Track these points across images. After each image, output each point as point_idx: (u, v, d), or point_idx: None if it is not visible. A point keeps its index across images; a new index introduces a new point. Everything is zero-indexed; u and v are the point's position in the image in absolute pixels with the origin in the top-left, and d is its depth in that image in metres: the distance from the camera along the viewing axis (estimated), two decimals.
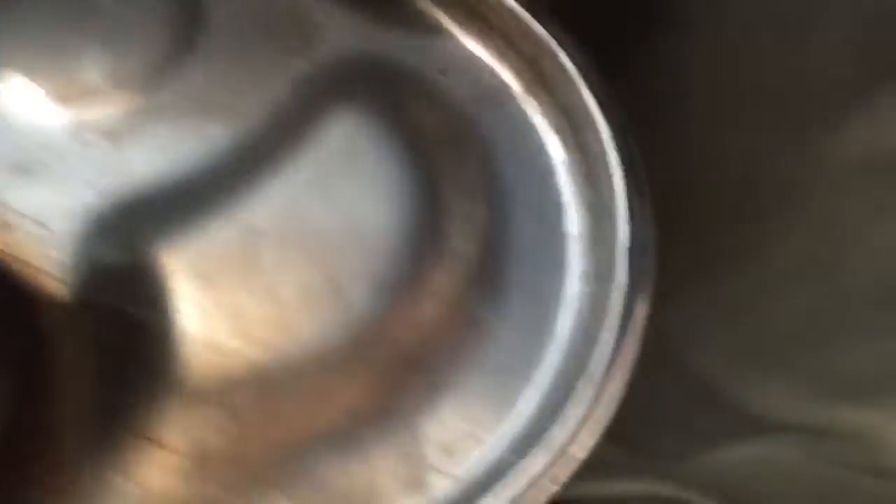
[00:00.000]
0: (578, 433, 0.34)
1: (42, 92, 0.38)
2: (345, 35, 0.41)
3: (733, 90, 0.55)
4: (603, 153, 0.38)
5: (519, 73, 0.41)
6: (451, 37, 0.42)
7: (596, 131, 0.38)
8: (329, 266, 0.37)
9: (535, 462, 0.33)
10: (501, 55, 0.41)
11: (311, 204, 0.37)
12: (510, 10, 0.40)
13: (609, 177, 0.38)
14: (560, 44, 0.39)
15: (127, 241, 0.36)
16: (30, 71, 0.38)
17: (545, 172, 0.41)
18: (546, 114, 0.41)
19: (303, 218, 0.37)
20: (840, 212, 0.49)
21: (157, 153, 0.38)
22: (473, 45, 0.42)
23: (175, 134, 0.38)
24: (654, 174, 0.40)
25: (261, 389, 0.35)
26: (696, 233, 0.50)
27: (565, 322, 0.37)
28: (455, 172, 0.40)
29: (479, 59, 0.42)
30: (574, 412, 0.34)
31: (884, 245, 0.49)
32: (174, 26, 0.39)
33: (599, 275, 0.38)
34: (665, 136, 0.45)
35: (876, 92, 0.50)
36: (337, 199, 0.37)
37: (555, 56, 0.39)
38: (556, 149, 0.40)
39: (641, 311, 0.36)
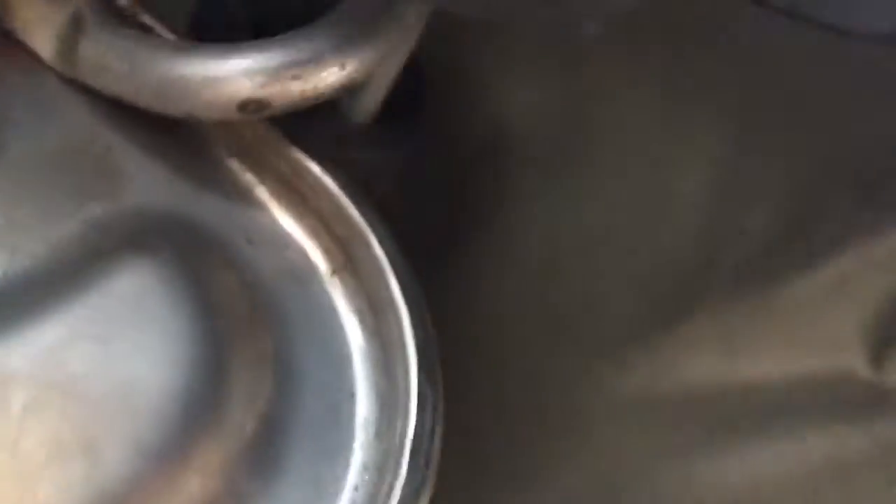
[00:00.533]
0: None
1: None
2: (150, 187, 0.39)
3: (531, 312, 0.57)
4: (402, 344, 0.37)
5: (328, 253, 0.40)
6: (262, 206, 0.41)
7: (398, 322, 0.37)
8: (86, 422, 0.33)
9: None
10: (312, 232, 0.41)
11: (80, 353, 0.34)
12: (326, 188, 0.39)
13: (405, 369, 0.37)
14: (373, 230, 0.39)
15: None
16: None
17: (340, 356, 0.39)
18: (349, 297, 0.40)
19: (67, 366, 0.33)
20: (619, 447, 0.50)
21: None
22: (284, 218, 0.41)
23: None
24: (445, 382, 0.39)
25: None
26: (478, 453, 0.49)
27: None
28: (245, 344, 0.37)
29: (288, 234, 0.41)
30: None
31: (661, 484, 0.50)
32: None
33: (381, 466, 0.35)
34: (459, 346, 0.46)
35: (653, 332, 0.53)
36: (110, 352, 0.34)
37: (366, 241, 0.39)
38: (354, 334, 0.39)
39: None
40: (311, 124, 0.42)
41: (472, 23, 0.56)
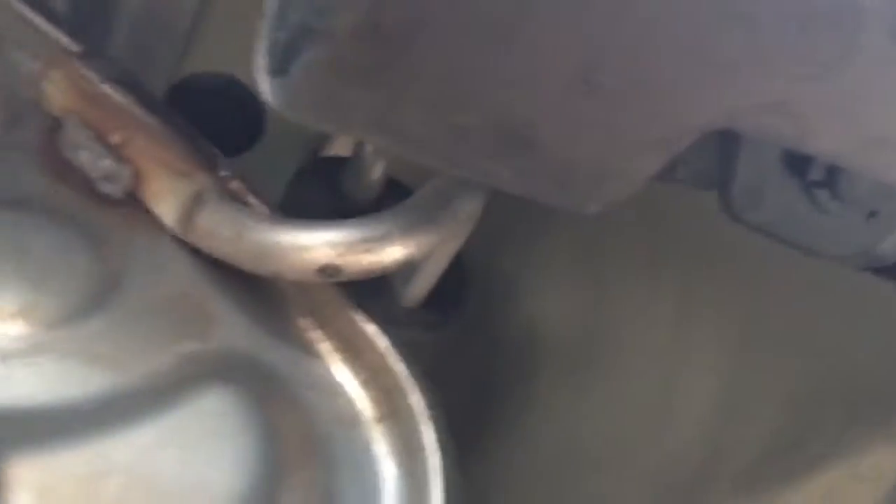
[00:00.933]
0: None
1: None
2: (235, 333, 0.47)
3: None
4: (430, 484, 0.44)
5: (374, 403, 0.48)
6: (323, 358, 0.49)
7: (429, 466, 0.45)
8: None
9: None
10: (363, 384, 0.48)
11: (165, 454, 0.41)
12: (378, 347, 0.48)
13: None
14: (415, 384, 0.47)
15: None
16: None
17: (376, 493, 0.46)
18: (389, 442, 0.47)
19: (154, 463, 0.41)
20: None
21: (38, 380, 0.42)
22: (341, 370, 0.49)
23: (60, 370, 0.42)
24: None
25: None
26: None
27: None
28: (298, 469, 0.44)
29: (341, 384, 0.49)
30: None
31: None
32: (93, 283, 0.46)
33: None
34: None
35: None
36: (190, 457, 0.42)
37: (407, 394, 0.47)
38: (390, 473, 0.46)
39: None
40: (367, 301, 0.51)
41: (514, 231, 0.65)
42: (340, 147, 0.72)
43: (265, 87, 0.28)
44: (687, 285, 0.63)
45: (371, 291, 0.53)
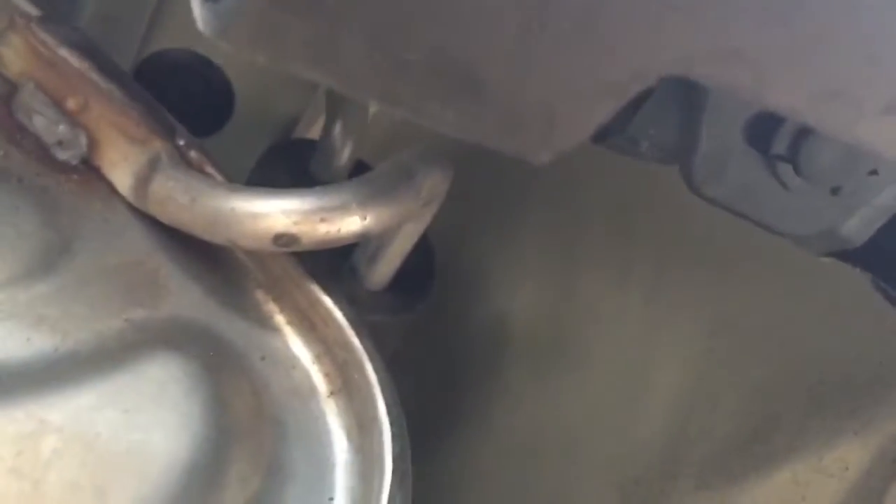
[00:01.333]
0: None
1: None
2: (186, 302, 0.46)
3: (510, 493, 0.61)
4: (380, 456, 0.43)
5: (328, 377, 0.47)
6: (278, 331, 0.48)
7: (380, 438, 0.44)
8: (102, 474, 0.39)
9: None
10: (317, 358, 0.47)
11: (105, 416, 0.40)
12: (335, 320, 0.47)
13: (381, 476, 0.42)
14: (369, 357, 0.46)
15: None
16: None
17: (326, 465, 0.45)
18: (341, 416, 0.46)
19: (92, 424, 0.39)
20: None
21: None
22: (296, 343, 0.48)
23: (2, 330, 0.41)
24: None
25: None
26: None
27: None
28: (246, 439, 0.43)
29: (296, 357, 0.47)
30: None
31: None
32: (41, 247, 0.45)
33: None
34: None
35: None
36: (131, 421, 0.40)
37: (361, 366, 0.46)
38: (341, 447, 0.45)
39: None
40: (331, 282, 0.50)
41: (485, 220, 0.64)
42: (311, 130, 0.71)
43: (197, 12, 0.27)
44: (656, 277, 0.63)
45: (335, 273, 0.52)
